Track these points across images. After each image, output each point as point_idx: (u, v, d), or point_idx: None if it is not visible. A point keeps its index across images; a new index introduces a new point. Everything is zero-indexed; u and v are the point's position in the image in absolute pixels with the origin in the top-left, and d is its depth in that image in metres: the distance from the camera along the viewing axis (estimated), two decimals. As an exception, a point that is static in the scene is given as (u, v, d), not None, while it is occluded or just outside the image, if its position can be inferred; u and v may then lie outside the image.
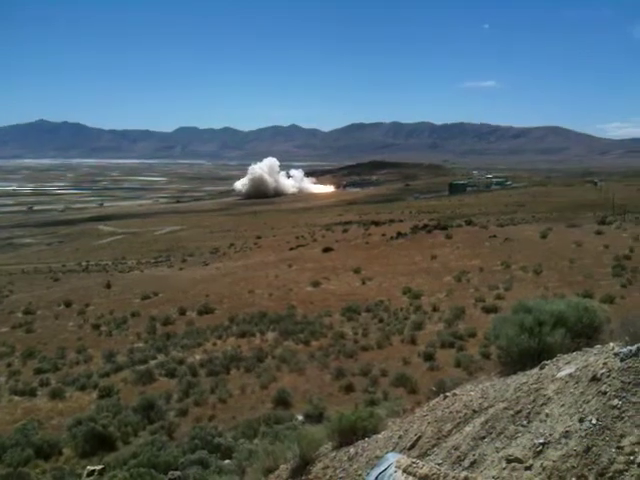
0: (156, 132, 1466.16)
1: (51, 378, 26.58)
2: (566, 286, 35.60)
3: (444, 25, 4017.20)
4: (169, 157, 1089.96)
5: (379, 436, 6.58)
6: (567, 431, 4.00)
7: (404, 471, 4.06)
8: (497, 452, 4.38)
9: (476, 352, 22.55)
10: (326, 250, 69.72)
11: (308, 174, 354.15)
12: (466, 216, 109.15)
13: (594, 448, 3.73)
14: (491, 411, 5.08)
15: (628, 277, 36.86)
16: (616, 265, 40.69)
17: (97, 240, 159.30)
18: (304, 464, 6.92)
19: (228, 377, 24.47)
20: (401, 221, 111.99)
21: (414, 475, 4.00)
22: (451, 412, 5.69)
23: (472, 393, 5.89)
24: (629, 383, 4.05)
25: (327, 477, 6.39)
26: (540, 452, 4.00)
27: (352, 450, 6.52)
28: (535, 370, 5.40)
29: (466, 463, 4.60)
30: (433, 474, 3.96)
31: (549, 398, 4.56)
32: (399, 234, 75.01)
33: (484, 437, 4.75)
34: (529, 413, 4.57)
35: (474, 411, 5.39)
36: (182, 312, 41.99)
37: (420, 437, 5.62)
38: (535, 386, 4.89)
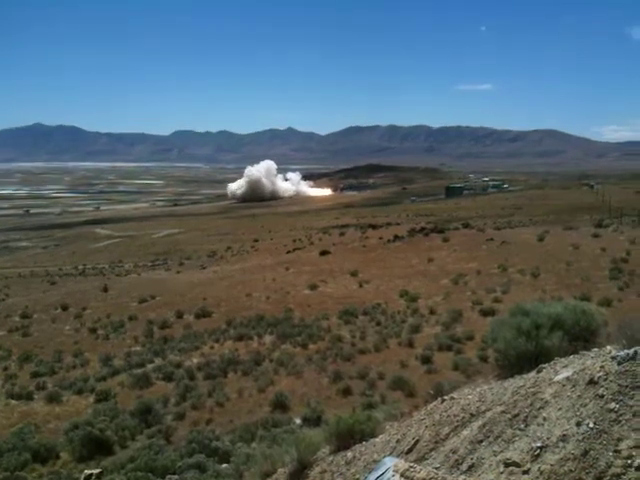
0: (153, 135, 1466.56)
1: (48, 382, 26.47)
2: (563, 289, 35.64)
3: (441, 28, 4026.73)
4: (166, 160, 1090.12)
5: (377, 440, 6.58)
6: (564, 435, 4.00)
7: (402, 475, 4.06)
8: (495, 456, 4.39)
9: (474, 355, 22.54)
10: (323, 253, 69.74)
11: (305, 177, 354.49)
12: (463, 219, 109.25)
13: (592, 452, 3.74)
14: (489, 415, 5.08)
15: (625, 280, 36.89)
16: (613, 268, 40.75)
17: (94, 243, 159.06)
18: (302, 468, 6.92)
19: (225, 381, 24.42)
20: (398, 224, 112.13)
21: (412, 479, 4.00)
22: (449, 416, 5.69)
23: (470, 396, 5.90)
24: (626, 386, 4.06)
25: (325, 481, 6.39)
26: (538, 456, 4.01)
27: (350, 454, 6.52)
28: (532, 373, 5.41)
29: (464, 467, 4.60)
30: (431, 478, 3.97)
31: (546, 402, 4.57)
32: (396, 237, 75.10)
33: (482, 441, 4.76)
34: (527, 417, 4.58)
35: (472, 415, 5.40)
36: (179, 315, 41.92)
37: (418, 441, 5.63)
38: (532, 390, 4.90)
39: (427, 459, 5.21)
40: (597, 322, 6.70)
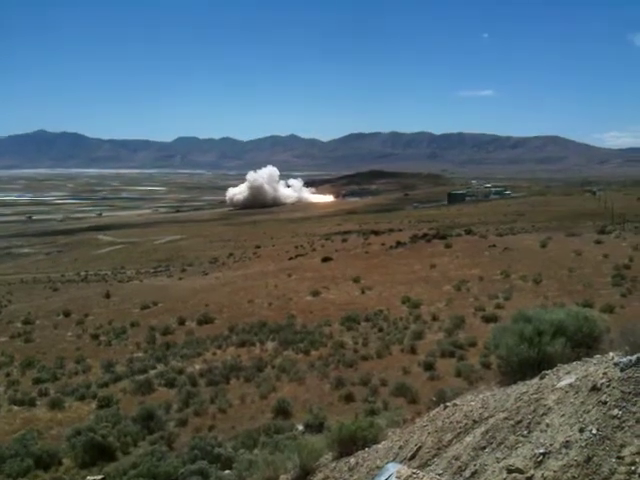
0: (155, 142, 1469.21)
1: (50, 388, 26.47)
2: (566, 295, 35.58)
3: (442, 35, 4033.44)
4: (168, 167, 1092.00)
5: (379, 446, 6.58)
6: (568, 441, 4.00)
7: (405, 481, 4.06)
8: (498, 462, 4.39)
9: (476, 362, 22.49)
10: (325, 259, 69.75)
11: (307, 184, 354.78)
12: (465, 225, 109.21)
13: (595, 458, 3.74)
14: (491, 421, 5.08)
15: (628, 286, 36.84)
16: (616, 274, 40.70)
17: (96, 250, 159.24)
18: (304, 474, 6.91)
19: (228, 387, 24.39)
20: (400, 230, 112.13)
21: (415, 485, 4.00)
22: (451, 422, 5.69)
23: (472, 403, 5.90)
24: (629, 393, 4.06)
25: (328, 487, 6.39)
26: (541, 462, 4.01)
27: (352, 460, 6.52)
28: (535, 380, 5.41)
29: (467, 473, 4.60)
30: (434, 484, 3.97)
31: (549, 408, 4.57)
32: (398, 243, 75.11)
33: (485, 447, 4.75)
34: (529, 423, 4.58)
35: (474, 421, 5.40)
36: (181, 322, 41.92)
37: (420, 447, 5.62)
38: (535, 396, 4.90)
39: (430, 465, 5.21)
40: (599, 328, 6.71)
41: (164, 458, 14.60)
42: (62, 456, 17.06)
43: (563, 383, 4.82)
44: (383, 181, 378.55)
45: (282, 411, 20.11)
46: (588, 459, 3.76)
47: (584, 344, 6.49)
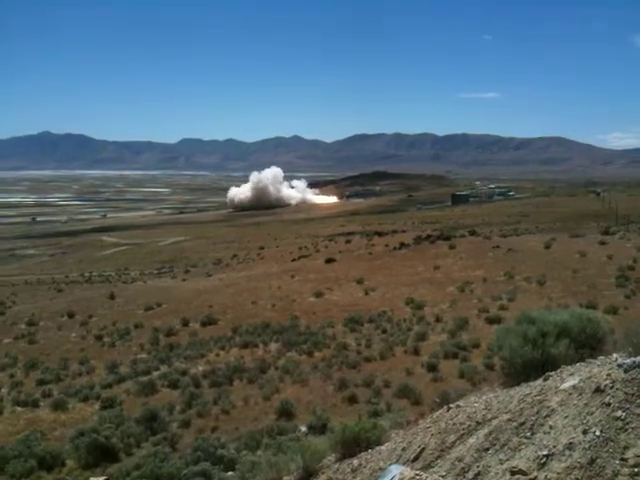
0: (160, 143, 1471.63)
1: (54, 389, 26.50)
2: (570, 296, 35.51)
3: (445, 37, 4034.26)
4: (173, 168, 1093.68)
5: (382, 448, 6.57)
6: (571, 443, 3.99)
7: (408, 483, 4.05)
8: (501, 464, 4.37)
9: (480, 363, 22.45)
10: (329, 261, 69.72)
11: (311, 185, 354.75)
12: (469, 227, 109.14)
13: (598, 460, 3.73)
14: (495, 423, 5.07)
15: (632, 288, 36.75)
16: (620, 275, 40.60)
17: (100, 251, 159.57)
18: (307, 476, 6.90)
19: (231, 388, 24.39)
20: (404, 232, 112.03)
21: (418, 487, 3.99)
22: (455, 424, 5.67)
23: (476, 405, 5.88)
24: (633, 394, 4.05)
25: (330, 489, 6.37)
26: (544, 464, 3.99)
27: (355, 462, 6.50)
28: (539, 381, 5.39)
29: (470, 475, 4.59)
30: (437, 486, 3.96)
31: (553, 410, 4.56)
32: (402, 245, 75.03)
33: (488, 449, 4.74)
34: (533, 425, 4.56)
35: (478, 423, 5.38)
36: (185, 323, 41.95)
37: (424, 449, 5.61)
38: (539, 397, 4.88)
39: (433, 467, 5.19)
40: (603, 330, 6.68)
41: (167, 459, 14.60)
42: (65, 457, 17.07)
43: (566, 385, 4.80)
44: (387, 182, 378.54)
45: (285, 412, 20.11)
46: (591, 461, 3.74)
47: (588, 345, 6.47)
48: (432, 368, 23.75)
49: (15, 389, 27.22)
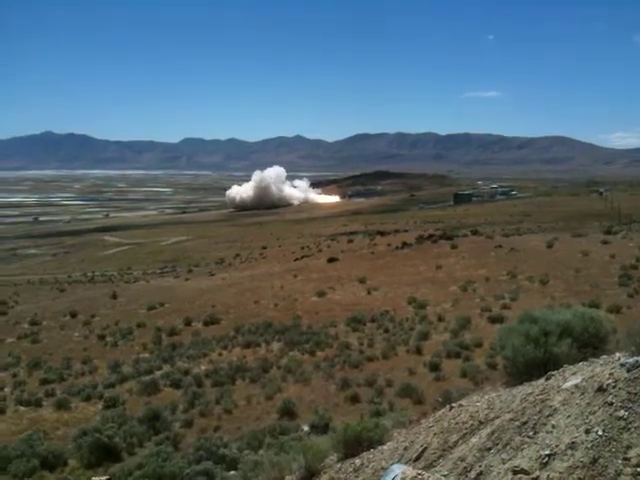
0: (161, 143, 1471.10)
1: (56, 389, 26.56)
2: (572, 296, 35.47)
3: (448, 36, 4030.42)
4: (174, 168, 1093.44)
5: (385, 447, 6.57)
6: (573, 442, 3.98)
7: (410, 482, 4.05)
8: (503, 463, 4.37)
9: (482, 362, 22.44)
10: (331, 260, 69.74)
11: (313, 184, 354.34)
12: (471, 226, 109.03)
13: (600, 459, 3.72)
14: (497, 422, 5.06)
15: (634, 287, 36.71)
16: (622, 275, 40.55)
17: (103, 251, 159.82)
18: (309, 475, 6.90)
19: (233, 388, 24.42)
20: (406, 231, 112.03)
21: (420, 486, 3.99)
22: (457, 423, 5.67)
23: (478, 404, 5.88)
24: (635, 394, 4.04)
25: (333, 488, 6.38)
26: (546, 463, 3.99)
27: (357, 461, 6.51)
28: (541, 381, 5.38)
29: (472, 474, 4.58)
30: (439, 485, 3.95)
31: (555, 409, 4.55)
32: (404, 244, 75.01)
33: (490, 448, 4.74)
34: (535, 424, 4.56)
35: (480, 422, 5.38)
36: (188, 322, 42.01)
37: (426, 448, 5.61)
38: (541, 397, 4.88)
39: (435, 466, 5.19)
40: (606, 329, 6.68)
41: (170, 459, 14.60)
42: (68, 457, 17.11)
43: (569, 384, 4.79)
44: (389, 182, 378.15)
45: (287, 412, 20.12)
46: (594, 460, 3.74)
47: (590, 345, 6.47)
48: (434, 367, 23.74)
49: (18, 388, 27.29)
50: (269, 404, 21.68)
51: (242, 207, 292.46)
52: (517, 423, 4.75)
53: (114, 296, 58.84)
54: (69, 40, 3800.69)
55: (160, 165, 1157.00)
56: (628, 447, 3.68)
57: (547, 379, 5.29)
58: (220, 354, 31.46)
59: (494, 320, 30.90)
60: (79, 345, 38.47)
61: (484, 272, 49.00)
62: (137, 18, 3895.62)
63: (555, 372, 5.39)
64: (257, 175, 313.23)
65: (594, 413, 4.13)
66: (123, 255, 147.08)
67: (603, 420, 3.99)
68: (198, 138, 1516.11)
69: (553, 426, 4.34)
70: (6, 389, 27.79)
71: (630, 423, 3.84)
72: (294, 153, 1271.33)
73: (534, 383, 5.50)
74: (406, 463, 5.40)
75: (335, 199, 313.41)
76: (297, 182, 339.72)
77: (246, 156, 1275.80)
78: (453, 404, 6.38)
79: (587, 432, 3.98)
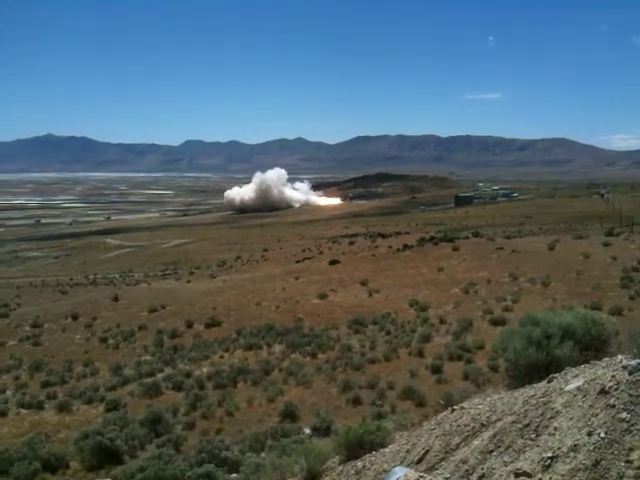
0: (163, 145, 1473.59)
1: (58, 391, 26.57)
2: (574, 298, 35.40)
3: (449, 38, 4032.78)
4: (176, 170, 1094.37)
5: (386, 450, 6.56)
6: (576, 445, 3.98)
7: (412, 485, 4.05)
8: (505, 466, 4.36)
9: (484, 365, 22.41)
10: (333, 262, 69.75)
11: (314, 187, 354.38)
12: (472, 228, 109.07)
13: (603, 462, 3.72)
14: (499, 425, 5.06)
15: (636, 289, 36.59)
16: (624, 277, 40.46)
17: (104, 253, 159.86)
18: (311, 478, 6.90)
19: (235, 390, 24.42)
20: (407, 233, 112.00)
21: (422, 489, 3.99)
22: (459, 425, 5.67)
23: (480, 406, 5.87)
24: (638, 396, 4.04)
25: (335, 491, 6.37)
26: (549, 466, 3.98)
27: (359, 464, 6.50)
28: (543, 383, 5.38)
29: (474, 477, 4.58)
30: (441, 488, 3.95)
31: (557, 411, 4.55)
32: (405, 246, 75.00)
33: (492, 451, 4.73)
34: (537, 426, 4.56)
35: (482, 424, 5.37)
36: (189, 325, 42.03)
37: (428, 451, 5.60)
38: (543, 399, 4.88)
39: (437, 469, 5.19)
40: (608, 331, 6.67)
41: (171, 461, 14.60)
42: (70, 459, 17.11)
43: (571, 386, 4.79)
44: (390, 184, 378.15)
45: (289, 414, 20.11)
46: (596, 463, 3.73)
47: (592, 347, 6.46)
48: (436, 370, 23.72)
49: (20, 391, 27.32)
50: (271, 406, 21.67)
51: (242, 209, 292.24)
52: (519, 425, 4.75)
53: (116, 299, 58.86)
54: (70, 42, 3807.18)
55: (161, 167, 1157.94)
56: (630, 449, 3.68)
57: (549, 381, 5.29)
58: (222, 356, 31.47)
59: (496, 322, 30.83)
60: (81, 348, 38.49)
61: (485, 274, 48.96)
62: (138, 20, 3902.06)
63: (557, 374, 5.38)
64: (258, 177, 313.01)
65: (596, 415, 4.12)
66: (124, 258, 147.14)
67: (605, 422, 3.99)
68: (199, 140, 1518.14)
69: (555, 428, 4.34)
70: (8, 392, 27.82)
71: (632, 425, 3.83)
72: (295, 155, 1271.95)
73: (536, 385, 5.49)
74: (408, 466, 5.40)
75: (336, 201, 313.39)
76: (298, 184, 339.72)
77: (247, 158, 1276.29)
78: (455, 406, 6.37)
79: (589, 434, 3.97)
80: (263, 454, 15.34)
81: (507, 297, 38.43)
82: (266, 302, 47.98)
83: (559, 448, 4.07)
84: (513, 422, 4.87)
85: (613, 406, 4.09)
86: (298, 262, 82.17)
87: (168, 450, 16.12)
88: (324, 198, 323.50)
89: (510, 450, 4.53)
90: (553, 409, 4.62)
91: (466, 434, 5.42)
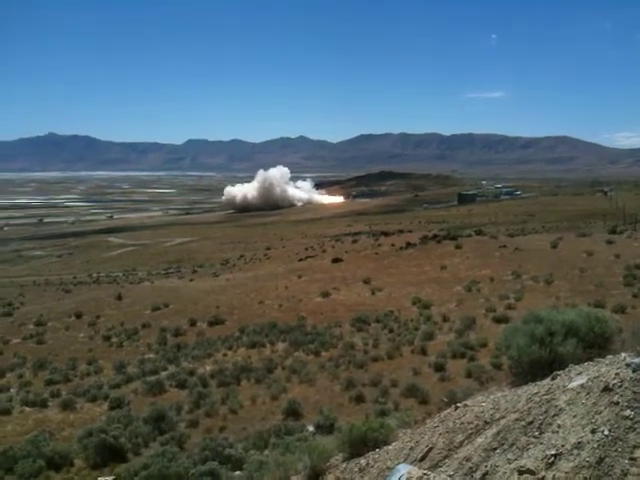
0: (165, 144, 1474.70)
1: (62, 389, 26.60)
2: (577, 296, 35.32)
3: (450, 37, 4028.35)
4: (178, 169, 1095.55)
5: (390, 447, 6.57)
6: (579, 442, 3.98)
7: (416, 482, 4.06)
8: (509, 463, 4.37)
9: (487, 362, 22.38)
10: (335, 261, 69.69)
11: (317, 185, 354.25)
12: (475, 226, 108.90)
13: (607, 459, 3.72)
14: (503, 422, 5.06)
15: (639, 286, 36.54)
16: (627, 274, 40.35)
17: (107, 252, 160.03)
18: (315, 475, 6.91)
19: (239, 388, 24.43)
20: (410, 231, 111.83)
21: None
22: (462, 423, 5.67)
23: (483, 404, 5.87)
24: (641, 393, 4.04)
25: (338, 488, 6.38)
26: (552, 463, 3.98)
27: (363, 461, 6.51)
28: (547, 381, 5.38)
29: (478, 475, 4.58)
30: (445, 485, 3.96)
31: (561, 409, 4.55)
32: (408, 244, 74.88)
33: (496, 448, 4.73)
34: (541, 424, 4.56)
35: (485, 422, 5.38)
36: (192, 323, 42.05)
37: (431, 448, 5.61)
38: (547, 397, 4.88)
39: (441, 467, 5.19)
40: (611, 329, 6.66)
41: (175, 459, 14.62)
42: (74, 457, 17.14)
43: (575, 384, 4.79)
44: (393, 182, 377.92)
45: (293, 412, 20.12)
46: (600, 460, 3.73)
47: (596, 345, 6.46)
48: (439, 367, 23.70)
49: (24, 389, 27.34)
50: (274, 404, 21.68)
51: (244, 207, 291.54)
52: (523, 423, 4.75)
53: (119, 297, 58.91)
54: (71, 42, 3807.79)
55: (164, 166, 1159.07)
56: (634, 447, 3.68)
57: (553, 379, 5.29)
58: (225, 354, 31.49)
59: (499, 320, 30.79)
60: (84, 346, 38.54)
61: (488, 272, 48.88)
62: (141, 19, 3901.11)
63: (561, 372, 5.38)
64: (260, 175, 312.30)
65: (600, 413, 4.12)
66: (127, 256, 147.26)
67: (609, 420, 3.99)
68: (202, 139, 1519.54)
69: (559, 426, 4.34)
70: (12, 390, 27.86)
71: (636, 423, 3.83)
72: (298, 154, 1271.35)
73: (539, 383, 5.49)
74: (412, 463, 5.41)
75: (339, 200, 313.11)
76: (300, 183, 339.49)
77: (250, 157, 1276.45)
78: (458, 404, 6.38)
79: (593, 432, 3.98)
80: (267, 452, 15.35)
81: (510, 295, 38.36)
82: (269, 300, 47.99)
83: (563, 445, 4.07)
84: (516, 420, 4.87)
85: (617, 403, 4.09)
86: (301, 260, 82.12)
87: (172, 448, 16.14)
88: (327, 196, 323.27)
89: (514, 448, 4.54)
90: (557, 407, 4.62)
91: (469, 432, 5.42)
